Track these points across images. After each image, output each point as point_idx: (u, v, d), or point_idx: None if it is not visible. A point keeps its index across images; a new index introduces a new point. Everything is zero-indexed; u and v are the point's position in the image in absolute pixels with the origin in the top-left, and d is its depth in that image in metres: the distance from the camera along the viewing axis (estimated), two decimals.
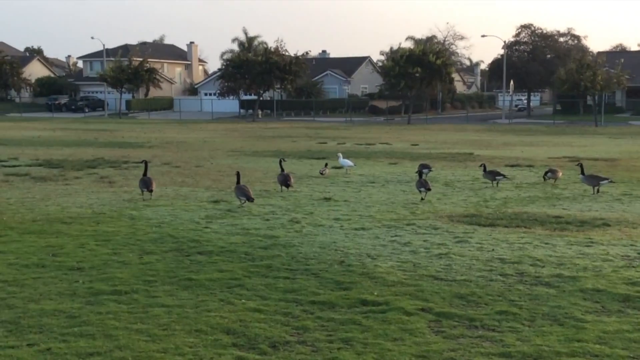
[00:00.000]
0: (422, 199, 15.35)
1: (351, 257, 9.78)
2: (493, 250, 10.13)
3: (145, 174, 15.37)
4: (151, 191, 14.91)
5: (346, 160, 20.90)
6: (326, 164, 20.84)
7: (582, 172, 16.54)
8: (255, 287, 8.20)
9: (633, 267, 9.12)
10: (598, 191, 16.26)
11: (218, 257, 9.70)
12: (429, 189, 15.36)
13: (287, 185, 16.37)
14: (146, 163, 16.10)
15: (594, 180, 16.40)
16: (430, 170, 19.48)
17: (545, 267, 9.11)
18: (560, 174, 18.45)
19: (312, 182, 18.60)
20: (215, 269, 9.04)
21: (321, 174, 19.92)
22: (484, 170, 17.95)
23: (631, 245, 10.49)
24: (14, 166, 21.55)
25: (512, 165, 22.95)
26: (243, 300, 7.66)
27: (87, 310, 7.29)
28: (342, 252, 10.03)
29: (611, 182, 16.67)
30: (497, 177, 17.75)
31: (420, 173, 17.49)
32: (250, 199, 13.99)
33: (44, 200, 14.82)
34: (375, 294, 7.88)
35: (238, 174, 14.76)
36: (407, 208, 14.13)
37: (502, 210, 13.85)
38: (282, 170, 16.98)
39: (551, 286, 8.19)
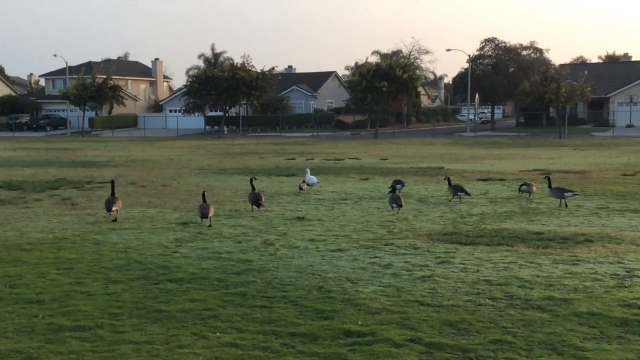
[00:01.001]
0: (394, 214, 15.17)
1: (330, 281, 9.28)
2: (478, 271, 9.71)
3: (112, 194, 14.96)
4: (110, 211, 14.39)
5: (312, 177, 20.47)
6: (303, 181, 20.37)
7: (550, 186, 16.59)
8: (231, 318, 7.65)
9: (625, 287, 8.76)
10: (566, 205, 16.19)
11: (189, 285, 9.12)
12: (401, 205, 15.19)
13: (259, 205, 15.82)
14: (113, 182, 15.64)
15: (559, 193, 16.38)
16: (404, 186, 19.11)
17: (534, 288, 8.71)
18: (534, 188, 18.19)
19: (283, 200, 18.08)
20: (186, 299, 8.46)
21: (300, 189, 19.63)
22: (449, 183, 17.80)
23: (618, 262, 10.15)
24: None
25: (484, 180, 22.69)
26: (218, 334, 7.11)
27: (47, 349, 6.67)
28: (321, 277, 9.52)
29: (576, 194, 16.66)
30: (459, 193, 17.55)
31: (393, 189, 17.28)
32: (204, 217, 13.78)
33: (2, 225, 14.06)
34: (360, 323, 7.38)
35: (203, 193, 14.61)
36: (383, 226, 13.68)
37: (480, 227, 13.47)
38: (253, 189, 16.45)
39: (544, 310, 7.77)
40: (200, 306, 8.11)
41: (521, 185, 18.45)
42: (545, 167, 27.24)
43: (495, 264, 10.12)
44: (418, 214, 15.40)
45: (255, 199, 15.88)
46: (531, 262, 10.21)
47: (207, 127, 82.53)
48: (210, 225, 13.76)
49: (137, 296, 8.60)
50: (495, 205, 16.79)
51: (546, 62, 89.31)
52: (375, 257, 10.79)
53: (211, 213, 14.08)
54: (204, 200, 14.42)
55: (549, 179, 16.86)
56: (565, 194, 16.33)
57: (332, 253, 11.10)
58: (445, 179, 18.25)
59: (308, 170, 21.37)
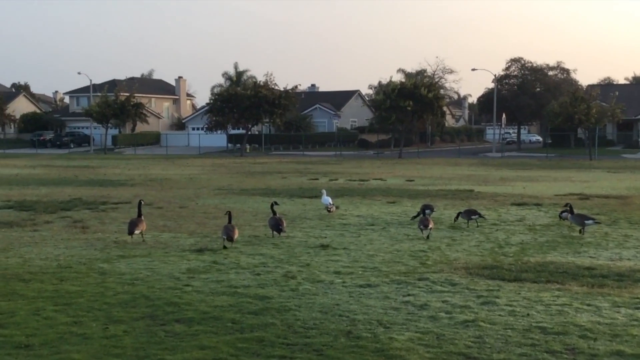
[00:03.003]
0: (427, 237, 14.67)
1: (359, 325, 8.14)
2: (528, 315, 8.52)
3: (139, 215, 14.44)
4: (131, 234, 13.96)
5: (327, 198, 19.47)
6: (332, 203, 19.30)
7: (571, 212, 15.82)
8: None
9: None
10: (582, 232, 15.28)
11: (199, 327, 8.04)
12: (430, 229, 14.81)
13: (279, 231, 14.75)
14: (140, 203, 14.97)
15: (580, 219, 15.54)
16: (433, 211, 17.94)
17: (598, 339, 7.50)
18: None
19: (305, 224, 16.98)
20: (195, 345, 7.38)
21: (328, 211, 18.82)
22: (460, 214, 16.98)
23: None
24: None
25: (519, 204, 21.41)
26: None
27: None
28: (348, 319, 8.39)
29: (597, 222, 15.70)
30: (472, 217, 16.70)
31: (419, 214, 16.52)
32: (229, 238, 13.32)
33: (5, 251, 13.09)
34: None
35: (229, 214, 14.19)
36: (415, 257, 12.52)
37: (523, 259, 12.26)
38: (274, 214, 15.38)
39: None
40: (211, 355, 7.03)
41: (562, 212, 17.19)
42: (581, 191, 25.87)
43: (547, 307, 8.91)
44: (452, 243, 14.21)
45: (276, 224, 14.82)
46: (588, 305, 8.99)
47: (229, 145, 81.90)
48: (225, 247, 13.29)
49: (139, 341, 7.53)
50: (535, 233, 15.55)
51: (573, 83, 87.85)
52: (409, 294, 9.64)
53: (236, 235, 13.53)
54: (230, 221, 13.97)
55: (570, 206, 16.15)
56: (586, 222, 15.45)
57: (360, 289, 9.96)
58: (457, 214, 17.14)
59: (324, 191, 20.31)
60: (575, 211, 16.14)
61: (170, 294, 9.62)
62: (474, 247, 13.65)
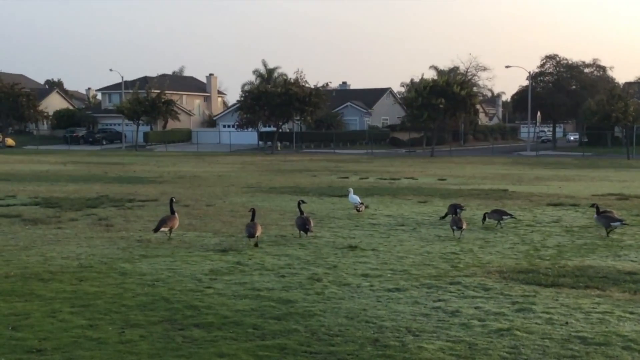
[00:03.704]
0: (459, 238, 14.39)
1: (387, 332, 7.71)
2: (567, 323, 8.00)
3: (172, 212, 14.40)
4: (157, 231, 13.81)
5: (355, 197, 19.09)
6: (361, 202, 18.89)
7: (597, 212, 15.26)
8: None
9: None
10: (608, 234, 14.77)
11: (219, 333, 7.67)
12: (462, 228, 14.48)
13: (306, 231, 14.35)
14: (172, 200, 14.88)
15: (605, 221, 14.93)
16: (463, 210, 17.35)
17: None
18: (616, 215, 16.24)
19: (334, 224, 16.56)
20: (213, 352, 7.01)
21: (358, 210, 18.40)
22: (487, 214, 16.49)
23: None
24: (8, 205, 19.69)
25: (555, 205, 20.75)
26: None
27: None
28: (375, 325, 7.96)
29: (624, 224, 15.10)
30: (504, 217, 16.22)
31: (447, 214, 16.13)
32: (251, 236, 13.29)
33: (27, 248, 12.89)
34: None
35: (253, 211, 13.93)
36: (447, 260, 12.03)
37: (560, 263, 11.70)
38: (301, 212, 14.99)
39: None
40: None
41: (599, 213, 16.51)
42: (620, 192, 25.07)
43: (587, 315, 8.39)
44: (484, 245, 13.69)
45: (303, 224, 14.42)
46: (631, 313, 8.44)
47: (260, 142, 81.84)
48: (257, 245, 13.06)
49: (155, 347, 7.19)
50: (572, 235, 14.94)
51: (610, 81, 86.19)
52: (440, 299, 9.17)
53: (259, 232, 13.44)
54: (253, 219, 13.74)
55: (597, 206, 15.64)
56: (612, 224, 14.88)
57: (388, 293, 9.52)
58: (484, 216, 16.58)
59: (351, 190, 19.91)
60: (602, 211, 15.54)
61: (191, 296, 9.27)
62: (508, 250, 13.11)
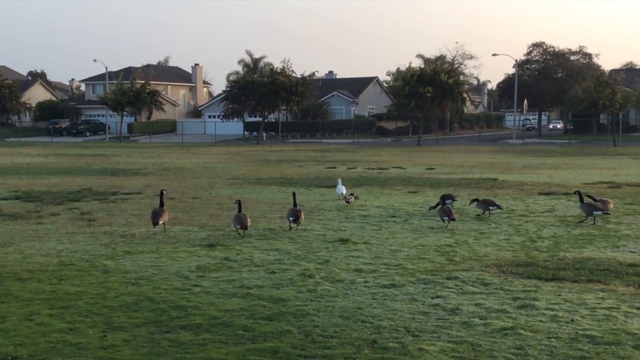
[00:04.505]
0: (446, 225, 14.43)
1: (385, 333, 7.31)
2: (572, 321, 7.63)
3: (161, 205, 14.01)
4: (156, 225, 13.58)
5: (341, 187, 18.87)
6: (351, 193, 18.50)
7: (581, 200, 15.15)
8: None
9: None
10: (594, 222, 14.67)
11: (207, 336, 7.24)
12: (453, 219, 14.20)
13: (295, 222, 13.98)
14: (162, 193, 14.57)
15: (588, 209, 14.81)
16: (454, 201, 17.03)
17: None
18: (611, 205, 15.96)
19: (323, 216, 16.14)
20: (201, 358, 6.59)
21: (347, 202, 17.89)
22: (477, 201, 16.30)
23: None
24: None
25: (547, 194, 20.42)
26: None
27: None
28: (372, 325, 7.56)
29: (606, 214, 14.94)
30: (490, 208, 15.97)
31: (438, 205, 15.81)
32: (243, 227, 13.09)
33: (5, 245, 12.37)
34: None
35: (239, 203, 13.62)
36: (442, 253, 11.64)
37: (558, 255, 11.34)
38: (295, 204, 14.58)
39: None
40: None
41: (594, 202, 16.21)
42: (611, 180, 24.81)
43: (593, 311, 8.02)
44: (479, 236, 13.32)
45: (294, 214, 14.05)
46: (638, 309, 8.08)
47: (246, 132, 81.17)
48: (241, 235, 13.02)
49: (139, 352, 6.75)
50: (567, 225, 14.61)
51: (596, 68, 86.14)
52: (438, 296, 8.78)
53: (249, 223, 13.23)
54: (240, 210, 13.41)
55: (580, 193, 15.44)
56: (595, 212, 14.73)
57: (384, 290, 9.11)
58: (471, 202, 16.42)
59: (339, 180, 19.58)
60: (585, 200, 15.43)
61: (177, 295, 8.83)
62: (503, 241, 12.75)
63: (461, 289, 9.14)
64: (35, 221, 15.17)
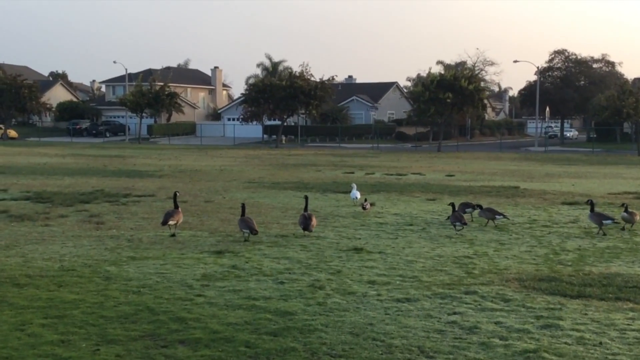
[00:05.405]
0: (457, 231, 14.28)
1: (397, 352, 6.80)
2: (601, 344, 7.07)
3: (175, 207, 13.81)
4: (164, 224, 13.48)
5: (356, 192, 18.56)
6: (365, 199, 17.99)
7: (592, 210, 14.67)
8: None
9: None
10: (604, 233, 14.29)
11: (206, 352, 6.76)
12: (465, 224, 14.02)
13: (306, 229, 13.54)
14: (175, 195, 14.32)
15: (597, 219, 14.41)
16: (475, 209, 16.42)
17: None
18: (638, 217, 15.27)
19: (338, 223, 15.63)
20: None
21: (364, 208, 17.25)
22: (480, 208, 15.89)
23: None
24: None
25: (570, 203, 19.77)
26: None
27: None
28: (384, 344, 7.04)
29: (615, 222, 14.56)
30: (496, 217, 15.43)
31: (464, 213, 15.25)
32: (253, 232, 12.86)
33: (8, 248, 11.99)
34: None
35: (243, 206, 13.50)
36: (460, 265, 11.09)
37: (584, 269, 10.74)
38: (306, 208, 14.11)
39: None
40: None
41: (622, 212, 15.57)
42: (637, 190, 24.06)
43: (622, 333, 7.45)
44: (499, 248, 12.74)
45: (305, 222, 13.59)
46: None
47: (264, 136, 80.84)
48: (245, 239, 12.85)
49: None
50: (593, 238, 13.98)
51: (619, 76, 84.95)
52: (455, 312, 8.23)
53: (256, 227, 13.00)
54: (243, 213, 13.26)
55: (591, 202, 15.00)
56: (604, 222, 14.36)
57: (397, 304, 8.58)
58: (476, 207, 15.94)
59: (354, 185, 19.13)
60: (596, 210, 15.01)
61: (179, 306, 8.36)
62: (525, 253, 12.17)
63: (480, 305, 8.59)
64: (42, 223, 14.80)
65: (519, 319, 7.98)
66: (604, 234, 14.21)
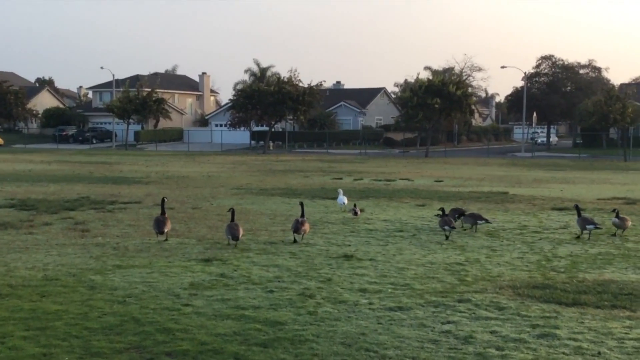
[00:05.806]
0: (446, 237, 14.19)
1: None
2: (599, 354, 6.90)
3: (162, 213, 13.67)
4: (162, 232, 13.31)
5: (342, 198, 18.50)
6: (355, 204, 17.82)
7: (579, 214, 14.72)
8: None
9: None
10: (588, 237, 14.36)
11: None
12: (454, 227, 14.08)
13: (297, 232, 13.43)
14: (164, 200, 14.23)
15: (582, 224, 14.49)
16: (465, 216, 16.26)
17: None
18: (629, 223, 15.19)
19: (327, 230, 15.43)
20: None
21: (355, 214, 17.01)
22: (462, 215, 15.77)
23: None
24: None
25: (560, 209, 19.67)
26: None
27: None
28: (377, 355, 6.85)
29: (598, 227, 14.54)
30: (478, 222, 15.30)
31: (454, 219, 15.08)
32: (234, 238, 12.78)
33: None
34: None
35: (232, 212, 13.38)
36: (452, 272, 10.92)
37: (577, 276, 10.60)
38: (302, 214, 13.96)
39: None
40: None
41: (612, 218, 15.47)
42: (625, 195, 24.04)
43: (620, 342, 7.29)
44: (491, 254, 12.58)
45: (295, 226, 13.50)
46: None
47: (252, 142, 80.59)
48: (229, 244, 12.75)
49: None
50: (585, 244, 13.85)
51: (605, 82, 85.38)
52: (449, 321, 8.05)
53: (241, 233, 12.90)
54: (233, 219, 13.13)
55: (577, 207, 15.20)
56: (587, 226, 14.43)
57: (390, 313, 8.39)
58: (458, 216, 15.75)
59: (341, 191, 19.09)
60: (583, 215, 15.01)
61: (166, 316, 8.13)
62: (517, 260, 12.02)
63: (474, 313, 8.41)
64: (25, 231, 14.51)
65: (515, 328, 7.80)
66: (588, 238, 14.19)
